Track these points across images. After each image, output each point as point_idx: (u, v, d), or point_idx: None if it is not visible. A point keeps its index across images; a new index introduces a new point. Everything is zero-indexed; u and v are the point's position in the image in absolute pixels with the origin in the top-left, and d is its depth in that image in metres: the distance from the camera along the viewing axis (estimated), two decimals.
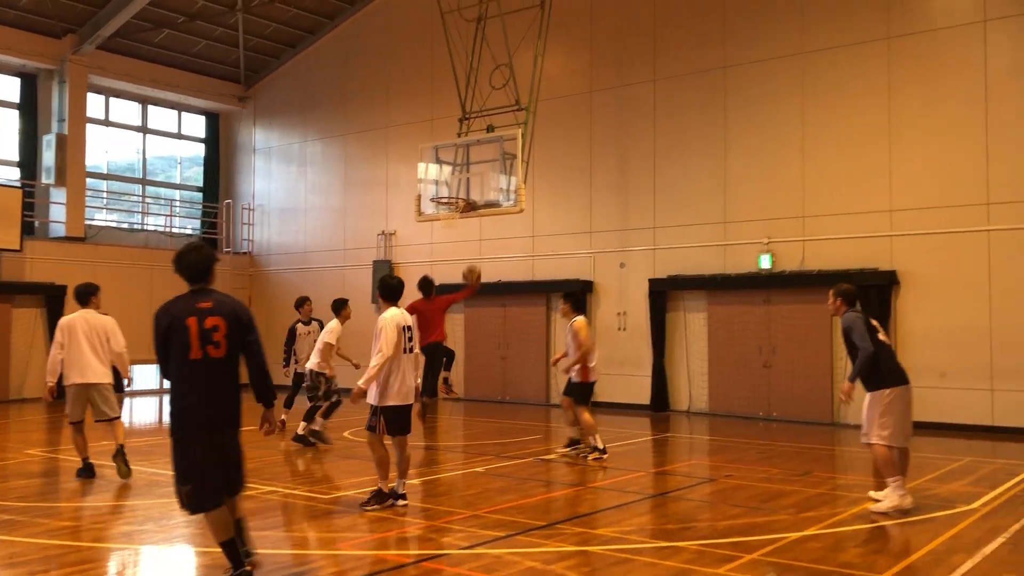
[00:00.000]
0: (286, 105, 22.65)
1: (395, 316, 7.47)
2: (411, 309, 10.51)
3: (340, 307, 11.23)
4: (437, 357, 11.97)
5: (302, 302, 13.15)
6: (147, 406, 17.77)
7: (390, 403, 7.34)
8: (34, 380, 17.90)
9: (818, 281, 14.51)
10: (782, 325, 15.11)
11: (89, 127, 20.18)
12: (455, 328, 18.22)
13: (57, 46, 19.42)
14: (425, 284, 11.81)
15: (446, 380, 13.01)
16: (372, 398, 7.40)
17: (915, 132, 14.11)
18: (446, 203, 14.70)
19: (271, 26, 21.29)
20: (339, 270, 21.00)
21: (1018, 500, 8.09)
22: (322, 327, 13.09)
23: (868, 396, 7.52)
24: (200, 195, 23.45)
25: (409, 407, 7.53)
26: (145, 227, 21.99)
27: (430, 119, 19.30)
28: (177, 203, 23.18)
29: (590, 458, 10.20)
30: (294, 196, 22.36)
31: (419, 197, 15.04)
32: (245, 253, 22.79)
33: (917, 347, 13.82)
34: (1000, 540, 6.49)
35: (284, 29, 21.54)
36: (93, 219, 20.73)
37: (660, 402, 16.17)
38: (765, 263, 15.22)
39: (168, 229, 22.34)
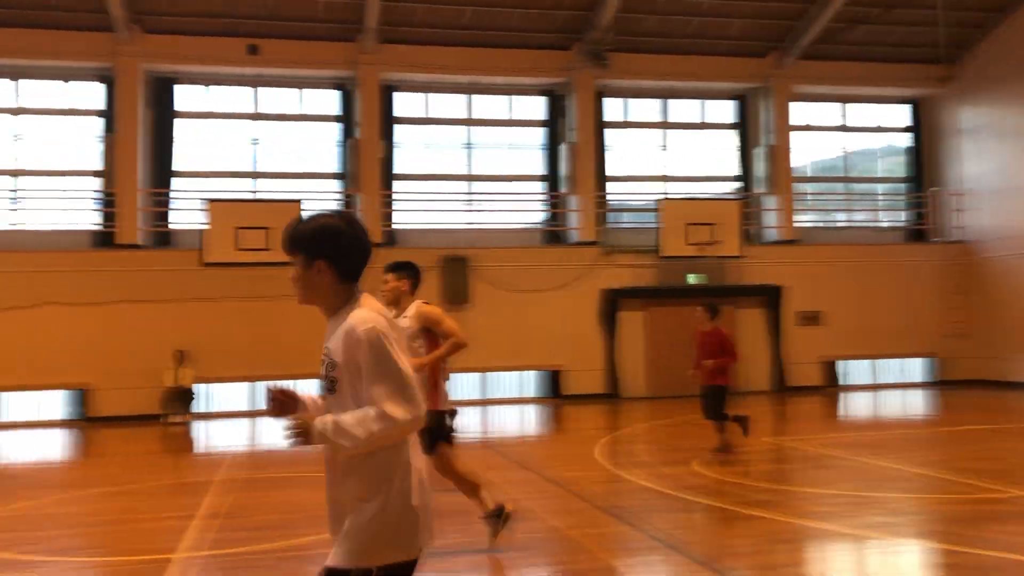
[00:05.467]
0: (996, 77, 20.63)
1: None
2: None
3: None
4: None
5: None
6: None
7: None
8: (758, 374, 19.67)
9: None
10: None
11: (792, 134, 21.34)
12: None
13: (760, 65, 20.97)
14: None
15: None
16: None
17: None
18: None
19: None
20: None
21: None
22: None
23: None
24: (903, 186, 22.87)
25: None
26: (851, 223, 22.34)
27: None
28: (880, 198, 22.98)
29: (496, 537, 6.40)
30: (1012, 174, 20.22)
31: None
32: (956, 242, 21.42)
33: None
34: None
35: None
36: (801, 222, 21.81)
37: None
38: None
39: (874, 223, 22.31)
